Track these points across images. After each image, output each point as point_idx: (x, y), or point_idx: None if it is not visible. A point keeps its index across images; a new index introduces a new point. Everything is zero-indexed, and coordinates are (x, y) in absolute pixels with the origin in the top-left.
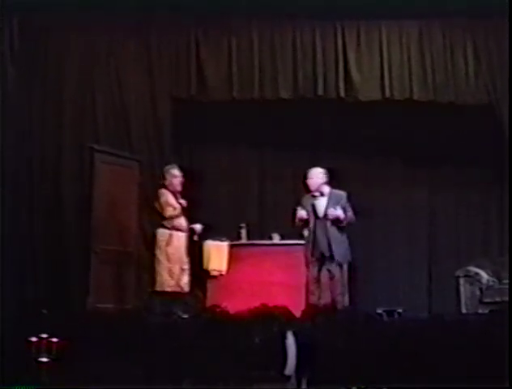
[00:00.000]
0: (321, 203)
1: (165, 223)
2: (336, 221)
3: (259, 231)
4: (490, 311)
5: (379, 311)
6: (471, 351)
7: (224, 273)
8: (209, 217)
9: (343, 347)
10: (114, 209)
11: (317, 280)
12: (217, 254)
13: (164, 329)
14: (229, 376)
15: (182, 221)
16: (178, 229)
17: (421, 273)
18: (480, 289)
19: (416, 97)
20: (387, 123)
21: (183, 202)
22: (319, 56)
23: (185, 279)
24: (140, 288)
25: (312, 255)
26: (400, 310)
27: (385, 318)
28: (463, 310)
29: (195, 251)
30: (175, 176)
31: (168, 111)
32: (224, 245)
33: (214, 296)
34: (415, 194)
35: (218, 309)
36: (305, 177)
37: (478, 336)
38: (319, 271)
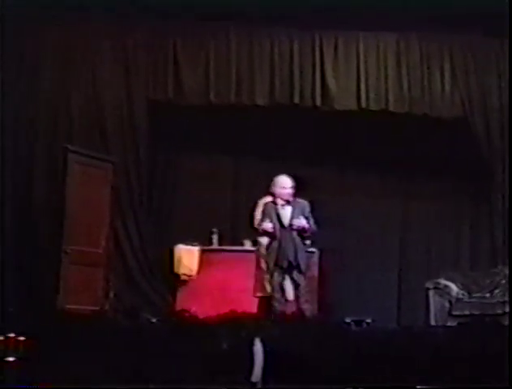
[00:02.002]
0: (286, 213)
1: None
2: (301, 231)
3: (231, 237)
4: (459, 324)
5: (348, 320)
6: (438, 363)
7: (194, 278)
8: (181, 221)
9: (311, 355)
10: (86, 210)
11: (281, 289)
12: (188, 259)
13: (131, 332)
14: (196, 381)
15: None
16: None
17: (392, 284)
18: (450, 302)
19: (391, 108)
20: (363, 133)
21: None
22: (296, 64)
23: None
24: (109, 289)
25: (276, 264)
26: (369, 320)
27: (353, 327)
28: (432, 322)
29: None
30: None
31: (144, 114)
32: (194, 250)
33: (183, 300)
34: (388, 205)
35: (187, 314)
36: (269, 184)
37: (446, 348)
38: (283, 279)
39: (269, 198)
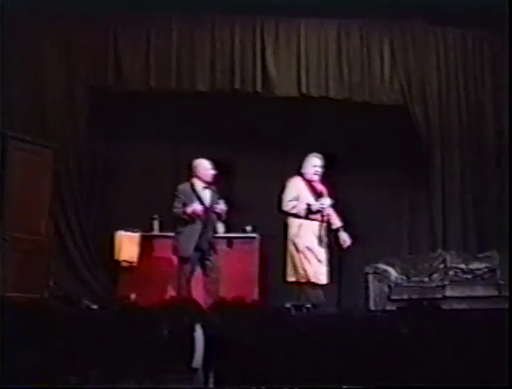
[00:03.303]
0: (207, 195)
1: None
2: (219, 215)
3: (172, 223)
4: (398, 308)
5: (287, 306)
6: (377, 348)
7: (135, 264)
8: (122, 207)
9: (251, 341)
10: (26, 197)
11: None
12: (128, 245)
13: (72, 319)
14: (137, 368)
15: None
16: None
17: (332, 269)
18: (389, 286)
19: (331, 95)
20: (303, 120)
21: None
22: (237, 50)
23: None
24: (49, 277)
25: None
26: (309, 305)
27: (293, 312)
28: (372, 307)
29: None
30: None
31: (84, 100)
32: (135, 236)
33: (124, 287)
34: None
35: (127, 301)
36: (190, 167)
37: (384, 333)
38: (203, 266)
39: (298, 179)
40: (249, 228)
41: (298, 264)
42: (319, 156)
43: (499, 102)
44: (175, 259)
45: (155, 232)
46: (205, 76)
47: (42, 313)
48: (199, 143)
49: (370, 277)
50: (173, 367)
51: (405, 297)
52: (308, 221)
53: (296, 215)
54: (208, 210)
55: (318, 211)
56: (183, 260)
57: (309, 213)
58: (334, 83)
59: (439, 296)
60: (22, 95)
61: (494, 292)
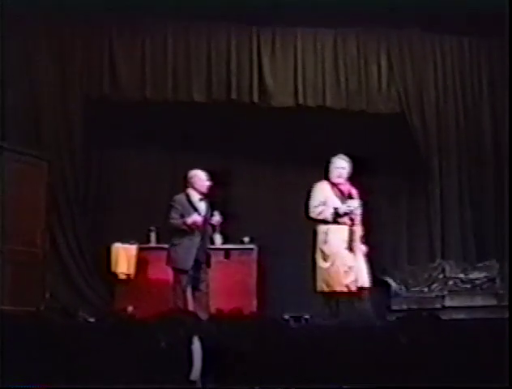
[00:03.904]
0: (203, 207)
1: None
2: (213, 227)
3: (169, 235)
4: (397, 318)
5: (286, 317)
6: (377, 358)
7: (131, 276)
8: (118, 219)
9: (250, 352)
10: (21, 208)
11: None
12: (125, 257)
13: (68, 332)
14: (134, 381)
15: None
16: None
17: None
18: (389, 297)
19: (328, 104)
20: (300, 130)
21: None
22: (234, 60)
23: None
24: (45, 289)
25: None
26: (307, 316)
27: (292, 323)
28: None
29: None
30: None
31: (79, 110)
32: (132, 248)
33: (121, 299)
34: None
35: (125, 313)
36: (186, 177)
37: (384, 343)
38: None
39: (324, 183)
40: (246, 239)
41: (325, 273)
42: (344, 157)
43: (496, 109)
44: (172, 271)
45: (152, 244)
46: (201, 86)
47: (39, 326)
48: (195, 153)
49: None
50: (171, 380)
51: (404, 307)
52: (335, 226)
53: (324, 221)
54: (205, 221)
55: (346, 214)
56: (180, 272)
57: (337, 217)
58: (331, 92)
59: (438, 306)
60: (16, 106)
61: (493, 302)
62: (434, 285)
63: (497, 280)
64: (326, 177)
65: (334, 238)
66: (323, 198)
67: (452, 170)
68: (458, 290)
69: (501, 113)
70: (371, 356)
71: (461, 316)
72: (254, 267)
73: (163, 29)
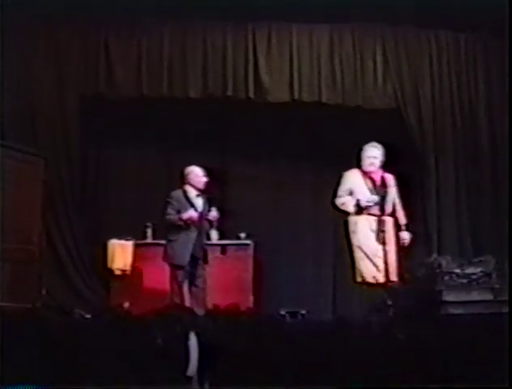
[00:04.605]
0: (199, 203)
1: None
2: (211, 223)
3: (165, 230)
4: (393, 314)
5: (282, 312)
6: (374, 354)
7: (128, 273)
8: (114, 216)
9: (246, 348)
10: (18, 206)
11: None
12: (121, 254)
13: (65, 329)
14: (130, 377)
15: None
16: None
17: (327, 276)
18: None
19: (324, 100)
20: (296, 125)
21: None
22: (229, 56)
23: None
24: (42, 286)
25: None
26: (303, 312)
27: (288, 319)
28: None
29: None
30: None
31: (75, 107)
32: (128, 245)
33: (117, 295)
34: (322, 196)
35: (121, 309)
36: (182, 174)
37: (381, 339)
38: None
39: (355, 171)
40: (243, 234)
41: (356, 264)
42: (376, 145)
43: (493, 105)
44: (168, 267)
45: (149, 240)
46: (197, 82)
47: (35, 322)
48: (192, 149)
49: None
50: (168, 376)
51: (401, 302)
52: (364, 216)
53: (346, 212)
54: (202, 217)
55: (366, 208)
56: (177, 268)
57: (360, 210)
58: (326, 88)
59: (435, 301)
60: (13, 103)
61: (490, 297)
62: (430, 280)
63: (493, 275)
64: (358, 165)
65: (363, 229)
66: (350, 187)
67: (448, 166)
68: (454, 285)
69: (498, 109)
70: (368, 352)
71: (458, 311)
72: (251, 262)
73: (159, 26)
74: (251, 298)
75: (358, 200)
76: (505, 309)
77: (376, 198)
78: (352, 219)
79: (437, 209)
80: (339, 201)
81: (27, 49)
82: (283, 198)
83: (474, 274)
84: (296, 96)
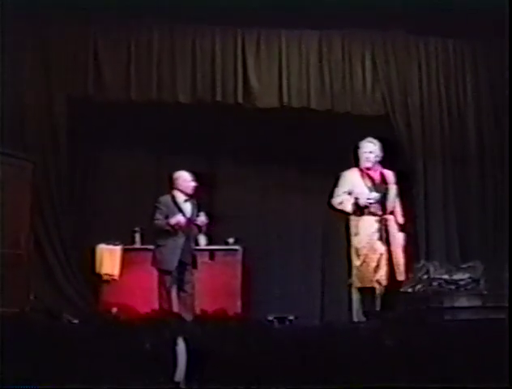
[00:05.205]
0: (188, 208)
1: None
2: (199, 228)
3: (153, 235)
4: (382, 320)
5: (270, 318)
6: (361, 359)
7: (116, 277)
8: (103, 220)
9: (234, 353)
10: (5, 210)
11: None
12: (110, 258)
13: (53, 334)
14: (118, 382)
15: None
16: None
17: (315, 281)
18: (373, 298)
19: (313, 106)
20: (285, 131)
21: None
22: (218, 61)
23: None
24: (29, 290)
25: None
26: (291, 318)
27: (276, 325)
28: (355, 319)
29: None
30: None
31: (64, 111)
32: (116, 249)
33: (105, 300)
34: (310, 202)
35: (109, 314)
36: (171, 179)
37: (368, 345)
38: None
39: (353, 170)
40: (231, 240)
41: (357, 268)
42: (372, 140)
43: (481, 111)
44: (156, 272)
45: (137, 244)
46: (186, 87)
47: (23, 327)
48: (180, 154)
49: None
50: (155, 381)
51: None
52: (366, 217)
53: (344, 212)
54: (190, 222)
55: (366, 207)
56: (165, 273)
57: (359, 209)
58: (315, 93)
59: (422, 307)
60: (1, 107)
61: (478, 303)
62: (418, 286)
63: (482, 281)
64: (356, 164)
65: (365, 230)
66: (348, 187)
67: (437, 171)
68: (442, 291)
69: (486, 114)
70: (355, 357)
71: (446, 317)
72: (239, 268)
73: (148, 30)
74: (239, 304)
75: (357, 199)
76: (494, 315)
77: (377, 195)
78: (353, 220)
79: (425, 214)
80: (335, 201)
81: (14, 51)
82: (272, 204)
83: (462, 280)
84: (285, 101)
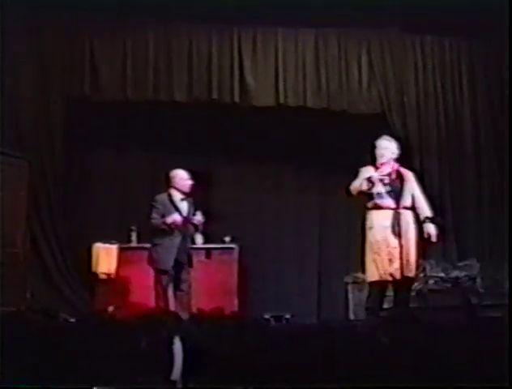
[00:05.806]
0: (184, 207)
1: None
2: (196, 227)
3: (150, 234)
4: (378, 318)
5: (267, 316)
6: (357, 357)
7: (112, 276)
8: (99, 219)
9: (230, 352)
10: (2, 209)
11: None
12: (106, 257)
13: (49, 333)
14: (114, 381)
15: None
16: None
17: (311, 279)
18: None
19: (309, 104)
20: (281, 129)
21: None
22: (215, 60)
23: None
24: (26, 289)
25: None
26: (288, 316)
27: (272, 323)
28: (351, 317)
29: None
30: None
31: (60, 110)
32: (113, 248)
33: (102, 299)
34: (306, 200)
35: (105, 313)
36: (167, 177)
37: (364, 343)
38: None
39: (370, 167)
40: (227, 238)
41: (372, 261)
42: (387, 137)
43: (477, 109)
44: (153, 271)
45: (134, 243)
46: (182, 86)
47: (19, 326)
48: (177, 153)
49: (350, 287)
50: (152, 380)
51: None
52: (380, 211)
53: (361, 193)
54: (186, 221)
55: (381, 181)
56: (161, 272)
57: (372, 185)
58: (312, 92)
59: (420, 305)
60: None
61: (474, 301)
62: (415, 284)
63: (478, 279)
64: (373, 163)
65: (379, 224)
66: (365, 176)
67: (433, 170)
68: (438, 289)
69: (482, 113)
70: (352, 355)
71: (443, 315)
72: (235, 266)
73: (144, 29)
74: (236, 302)
75: (370, 176)
76: (492, 314)
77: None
78: (369, 214)
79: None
80: (352, 186)
81: (10, 50)
82: (269, 202)
83: (458, 278)
84: (282, 100)
